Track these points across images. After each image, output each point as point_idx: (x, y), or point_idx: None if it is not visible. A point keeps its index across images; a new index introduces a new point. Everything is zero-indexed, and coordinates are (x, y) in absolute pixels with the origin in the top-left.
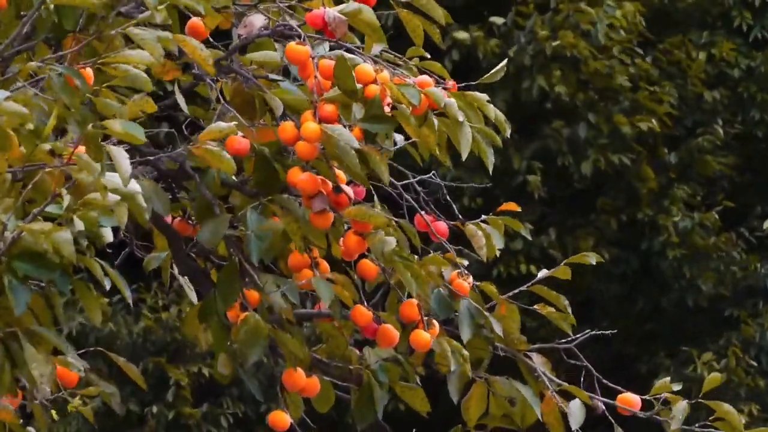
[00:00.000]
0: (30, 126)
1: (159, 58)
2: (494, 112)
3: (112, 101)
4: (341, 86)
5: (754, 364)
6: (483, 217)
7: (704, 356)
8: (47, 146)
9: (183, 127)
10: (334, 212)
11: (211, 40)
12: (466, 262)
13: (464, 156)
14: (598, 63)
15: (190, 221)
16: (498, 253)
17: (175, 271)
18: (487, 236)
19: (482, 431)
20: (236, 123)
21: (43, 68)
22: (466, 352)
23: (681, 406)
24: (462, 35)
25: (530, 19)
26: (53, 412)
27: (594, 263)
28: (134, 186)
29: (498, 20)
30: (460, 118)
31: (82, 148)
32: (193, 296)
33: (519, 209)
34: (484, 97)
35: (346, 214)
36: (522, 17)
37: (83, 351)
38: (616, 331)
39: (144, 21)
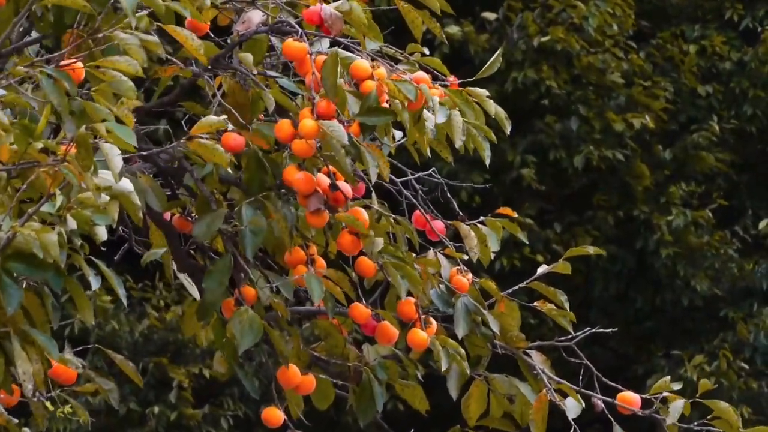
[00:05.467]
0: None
1: (143, 64)
2: (494, 107)
3: (101, 106)
4: (325, 83)
5: (746, 366)
6: (481, 218)
7: (695, 359)
8: (39, 145)
9: (182, 123)
10: (331, 210)
11: (211, 35)
12: (465, 257)
13: (457, 144)
14: (591, 57)
15: (189, 218)
16: (493, 256)
17: (175, 267)
18: (483, 238)
19: (481, 431)
20: (230, 121)
21: (33, 68)
22: (462, 351)
23: (678, 404)
24: (452, 30)
25: (521, 14)
26: (49, 405)
27: (593, 254)
28: (126, 184)
29: (490, 16)
30: (443, 115)
31: (74, 148)
32: (194, 291)
33: (515, 214)
34: (484, 92)
35: (336, 217)
36: (513, 13)
37: (81, 348)
38: (616, 329)
39: (129, 26)
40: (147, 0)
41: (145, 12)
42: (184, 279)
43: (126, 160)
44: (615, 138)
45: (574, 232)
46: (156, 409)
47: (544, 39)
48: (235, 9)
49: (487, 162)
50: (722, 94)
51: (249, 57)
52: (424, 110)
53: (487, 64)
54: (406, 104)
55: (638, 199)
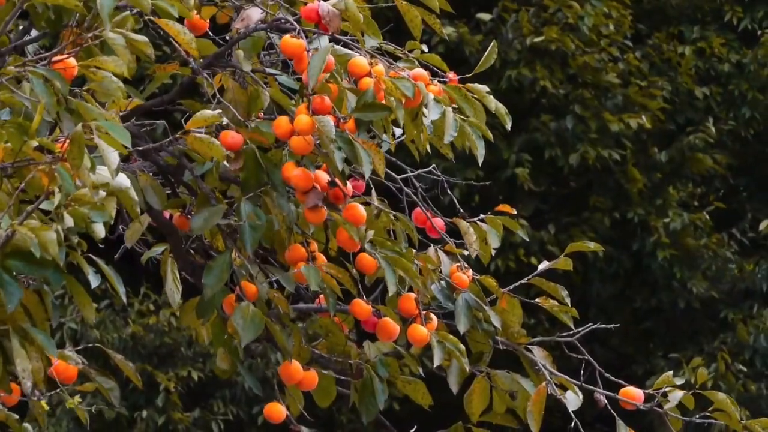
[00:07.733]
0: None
1: (130, 64)
2: (494, 103)
3: (92, 107)
4: (311, 71)
5: (744, 369)
6: (481, 216)
7: (693, 361)
8: (34, 143)
9: (182, 121)
10: (332, 207)
11: (210, 33)
12: (465, 253)
13: (446, 140)
14: (587, 57)
15: (189, 216)
16: (493, 253)
17: (168, 268)
18: (483, 235)
19: (483, 428)
20: (229, 118)
21: (27, 69)
22: (462, 346)
23: (677, 394)
24: (447, 30)
25: (516, 14)
26: (44, 404)
27: (593, 248)
28: (123, 179)
29: (485, 16)
30: (437, 112)
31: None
32: (175, 298)
33: (514, 211)
34: (484, 88)
35: (330, 215)
36: (508, 13)
37: (79, 348)
38: (618, 325)
39: (120, 24)
40: (134, 0)
41: (128, 12)
42: (170, 286)
43: (126, 159)
44: (611, 138)
45: (570, 233)
46: (144, 413)
47: (537, 39)
48: (235, 6)
49: (480, 160)
50: (721, 96)
51: (241, 53)
52: (423, 107)
53: (483, 57)
54: (403, 101)
55: (634, 201)
